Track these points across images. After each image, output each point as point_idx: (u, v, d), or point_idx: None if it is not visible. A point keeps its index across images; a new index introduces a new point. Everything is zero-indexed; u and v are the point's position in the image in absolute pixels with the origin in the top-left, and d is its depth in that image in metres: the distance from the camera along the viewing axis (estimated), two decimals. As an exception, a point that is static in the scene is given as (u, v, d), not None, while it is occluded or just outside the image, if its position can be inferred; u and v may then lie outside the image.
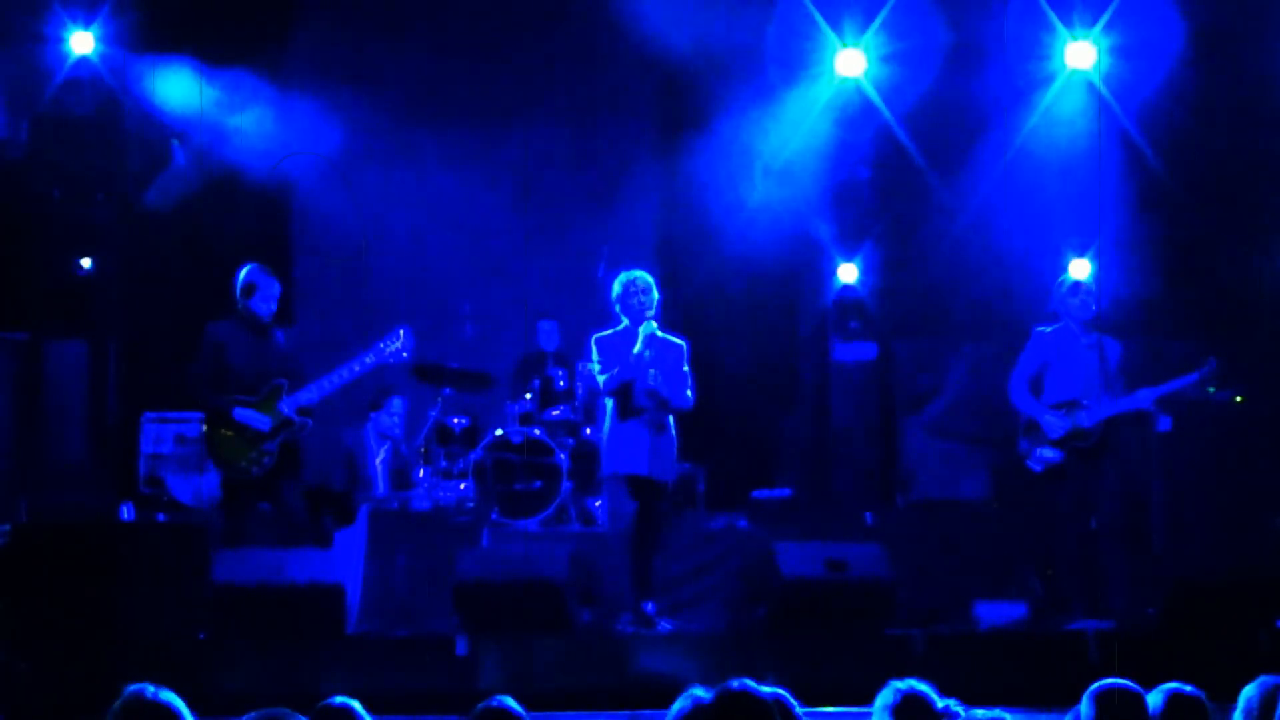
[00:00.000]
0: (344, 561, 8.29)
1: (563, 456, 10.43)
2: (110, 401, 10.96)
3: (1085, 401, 8.60)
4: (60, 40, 10.66)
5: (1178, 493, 10.09)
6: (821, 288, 11.74)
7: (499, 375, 11.09)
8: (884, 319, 11.58)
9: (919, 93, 11.00)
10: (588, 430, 10.57)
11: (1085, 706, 4.01)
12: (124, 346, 11.12)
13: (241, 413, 8.13)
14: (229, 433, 8.15)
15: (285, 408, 8.18)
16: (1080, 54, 10.92)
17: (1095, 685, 4.06)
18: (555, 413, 10.79)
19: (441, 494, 10.21)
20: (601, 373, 8.24)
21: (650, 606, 8.13)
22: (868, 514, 10.04)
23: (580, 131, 12.51)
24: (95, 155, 10.90)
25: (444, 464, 10.46)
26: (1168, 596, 7.83)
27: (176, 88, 10.92)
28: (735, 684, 3.52)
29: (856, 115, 11.46)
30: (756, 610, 8.24)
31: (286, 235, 12.16)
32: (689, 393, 8.31)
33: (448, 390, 10.57)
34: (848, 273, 11.58)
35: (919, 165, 11.21)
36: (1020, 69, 10.99)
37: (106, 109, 10.86)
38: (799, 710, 3.71)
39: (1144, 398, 8.62)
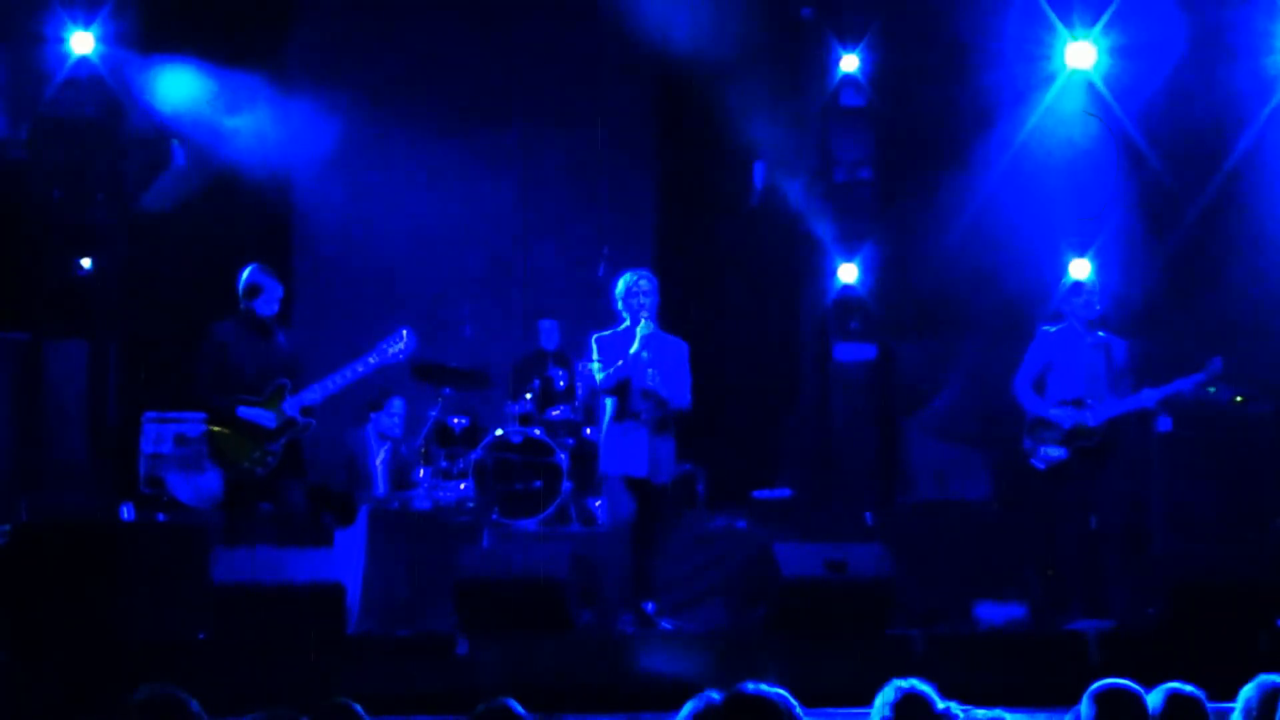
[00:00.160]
0: (344, 561, 8.28)
1: (563, 456, 10.44)
2: (110, 401, 10.96)
3: (1089, 401, 8.61)
4: (60, 40, 10.67)
5: (1178, 493, 10.08)
6: (821, 288, 11.74)
7: (499, 375, 11.09)
8: (884, 319, 11.58)
9: (919, 93, 11.02)
10: (588, 430, 10.57)
11: (1085, 706, 4.01)
12: (124, 346, 11.13)
13: (246, 412, 8.13)
14: (233, 433, 8.15)
15: (289, 407, 8.18)
16: (1080, 54, 10.92)
17: (1095, 685, 4.06)
18: (555, 413, 10.79)
19: (441, 494, 10.21)
20: (601, 372, 8.24)
21: (650, 606, 8.13)
22: (868, 514, 10.04)
23: (580, 131, 12.52)
24: (95, 155, 10.91)
25: (444, 464, 10.47)
26: (1168, 596, 7.82)
27: (177, 88, 10.93)
28: (748, 686, 3.52)
29: (856, 115, 11.50)
30: (756, 610, 8.24)
31: (287, 235, 12.17)
32: (688, 393, 8.31)
33: (447, 390, 10.58)
34: (848, 273, 11.58)
35: (919, 165, 11.22)
36: (1021, 69, 11.00)
37: (106, 109, 10.87)
38: (799, 710, 3.70)
39: (1149, 397, 8.62)
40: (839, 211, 11.62)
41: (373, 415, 10.40)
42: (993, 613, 8.94)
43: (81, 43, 10.67)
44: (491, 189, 12.43)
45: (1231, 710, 4.24)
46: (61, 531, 7.61)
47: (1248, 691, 4.20)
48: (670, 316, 8.39)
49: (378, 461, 10.38)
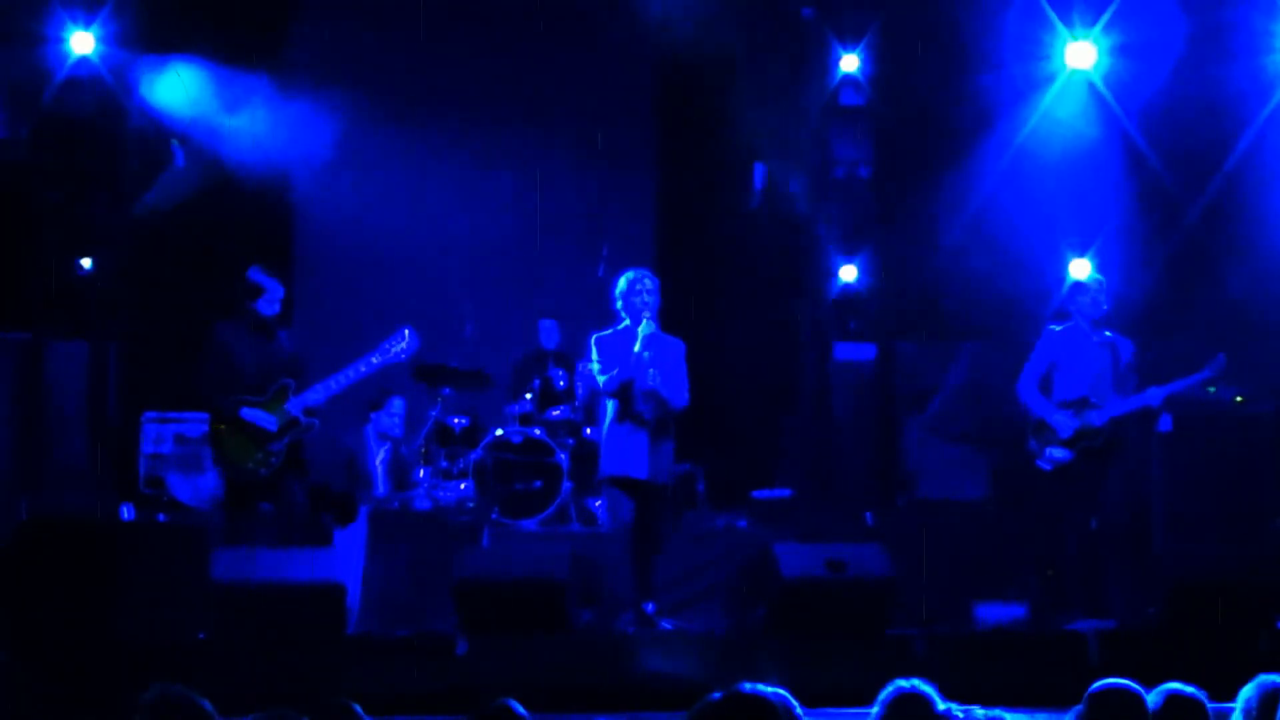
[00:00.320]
0: (344, 561, 8.28)
1: (563, 456, 10.44)
2: (110, 401, 10.96)
3: (1094, 400, 8.61)
4: (60, 40, 10.67)
5: (1178, 493, 10.08)
6: (821, 288, 11.74)
7: (499, 375, 11.09)
8: (884, 319, 11.58)
9: (919, 93, 11.01)
10: (588, 430, 10.57)
11: (1085, 706, 4.01)
12: (124, 346, 11.12)
13: (249, 413, 8.13)
14: (236, 433, 8.15)
15: (293, 408, 8.18)
16: (1081, 54, 10.92)
17: (1095, 685, 4.06)
18: (555, 413, 10.79)
19: (441, 494, 10.21)
20: (602, 373, 8.24)
21: (650, 606, 8.13)
22: (868, 514, 10.04)
23: (580, 131, 12.51)
24: (95, 155, 10.91)
25: (444, 464, 10.47)
26: (1168, 596, 7.82)
27: (177, 88, 10.94)
28: (746, 687, 3.52)
29: (856, 115, 11.49)
30: (756, 610, 8.24)
31: (287, 236, 12.18)
32: (685, 392, 8.31)
33: (447, 390, 10.57)
34: (848, 273, 11.58)
35: (919, 165, 11.22)
36: (1021, 69, 11.00)
37: (106, 109, 10.87)
38: (799, 710, 3.70)
39: (1154, 396, 8.61)
40: (839, 211, 11.62)
41: (373, 415, 10.39)
42: (993, 613, 8.94)
43: (81, 43, 10.67)
44: (491, 189, 12.42)
45: (1231, 710, 4.24)
46: (61, 531, 7.60)
47: (1248, 691, 4.20)
48: (670, 316, 8.38)
49: (378, 461, 10.37)
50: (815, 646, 7.47)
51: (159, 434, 10.49)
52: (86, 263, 10.85)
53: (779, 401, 12.23)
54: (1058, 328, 8.83)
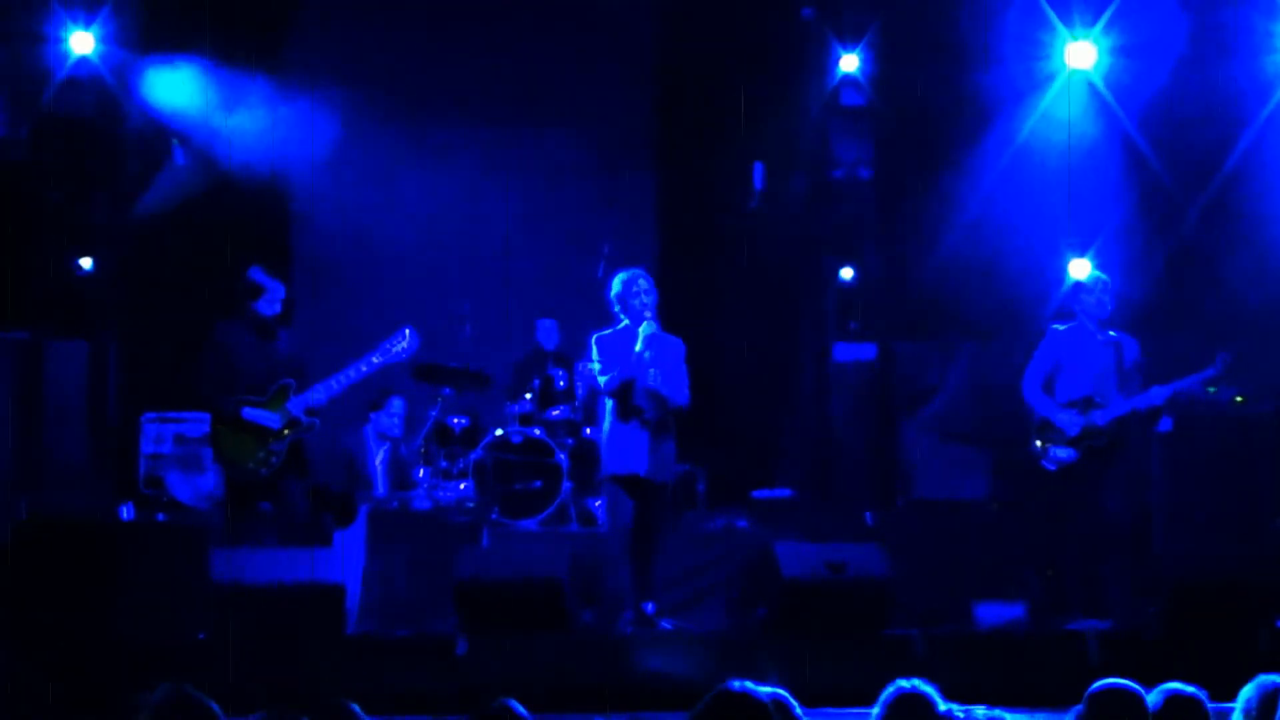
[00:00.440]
0: (344, 561, 8.28)
1: (563, 456, 10.44)
2: (110, 401, 10.96)
3: (1099, 399, 8.60)
4: (60, 40, 10.66)
5: (1178, 493, 10.08)
6: (821, 288, 11.74)
7: (499, 375, 11.09)
8: (884, 319, 11.57)
9: (919, 93, 11.01)
10: (588, 430, 10.57)
11: (1085, 706, 4.01)
12: (124, 346, 11.12)
13: (250, 412, 8.13)
14: (237, 433, 8.15)
15: (294, 407, 8.18)
16: (1081, 54, 10.92)
17: (1095, 685, 4.06)
18: (555, 412, 10.79)
19: (441, 494, 10.21)
20: (602, 372, 8.23)
21: (650, 606, 8.13)
22: (868, 514, 10.04)
23: (580, 131, 12.51)
24: (95, 155, 10.90)
25: (444, 464, 10.46)
26: (1168, 596, 7.82)
27: (177, 88, 10.93)
28: (735, 685, 3.51)
29: (856, 115, 11.49)
30: (756, 610, 8.24)
31: (286, 235, 12.17)
32: (686, 391, 8.31)
33: (447, 390, 10.57)
34: (848, 273, 11.57)
35: (918, 165, 11.22)
36: (1021, 69, 11.00)
37: (106, 109, 10.86)
38: (799, 711, 3.70)
39: (1157, 395, 8.61)
40: (839, 211, 11.62)
41: (372, 415, 10.40)
42: (992, 613, 8.94)
43: (81, 43, 10.67)
44: (491, 189, 12.42)
45: (1231, 710, 4.24)
46: (61, 531, 7.60)
47: (1248, 691, 4.20)
48: (670, 316, 8.38)
49: (378, 461, 10.38)
50: (815, 646, 7.48)
51: (159, 434, 10.49)
52: (86, 263, 10.84)
53: (779, 401, 12.23)
54: (1061, 327, 8.83)
